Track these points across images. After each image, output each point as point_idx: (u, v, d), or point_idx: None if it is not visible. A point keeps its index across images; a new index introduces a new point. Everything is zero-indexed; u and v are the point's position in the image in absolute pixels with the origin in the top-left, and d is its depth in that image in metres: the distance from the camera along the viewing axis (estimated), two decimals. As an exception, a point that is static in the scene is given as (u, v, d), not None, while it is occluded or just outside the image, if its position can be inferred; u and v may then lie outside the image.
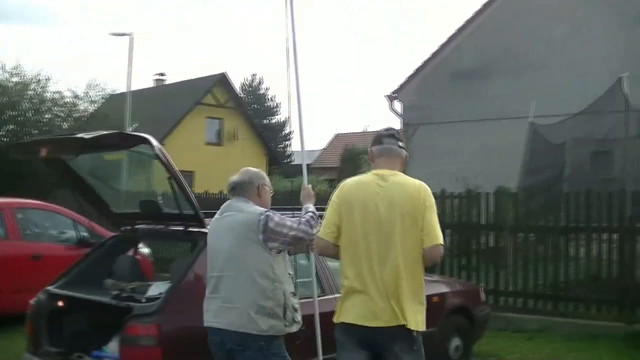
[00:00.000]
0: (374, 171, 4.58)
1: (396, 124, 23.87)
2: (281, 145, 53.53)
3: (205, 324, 4.87)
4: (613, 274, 10.45)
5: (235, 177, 5.03)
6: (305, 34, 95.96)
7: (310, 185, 5.46)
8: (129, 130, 30.43)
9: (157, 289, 5.88)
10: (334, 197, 4.53)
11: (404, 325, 4.25)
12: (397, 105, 23.05)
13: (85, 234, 10.93)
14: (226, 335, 4.72)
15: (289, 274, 4.92)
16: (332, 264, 6.13)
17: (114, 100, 27.38)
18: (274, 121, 54.67)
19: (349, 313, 4.36)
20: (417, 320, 4.32)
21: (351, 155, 37.53)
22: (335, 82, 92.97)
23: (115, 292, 5.89)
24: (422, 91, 22.32)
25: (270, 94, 55.14)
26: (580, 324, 10.21)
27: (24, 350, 6.28)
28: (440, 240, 4.34)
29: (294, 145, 56.15)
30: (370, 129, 51.19)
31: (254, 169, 5.12)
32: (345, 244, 4.42)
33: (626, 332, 9.75)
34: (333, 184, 37.50)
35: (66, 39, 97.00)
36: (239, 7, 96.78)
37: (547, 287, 10.89)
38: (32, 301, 6.25)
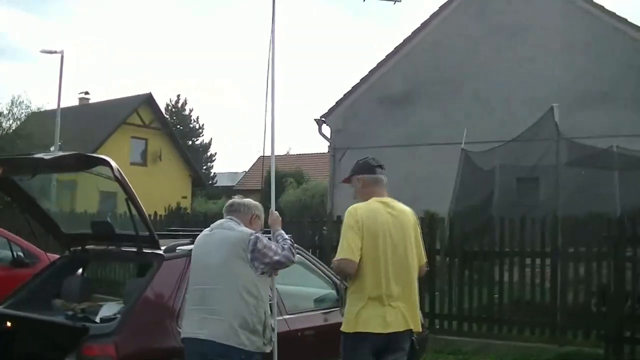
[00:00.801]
0: (376, 198, 5.28)
1: (324, 147, 24.16)
2: (205, 167, 53.26)
3: (185, 335, 5.06)
4: (546, 298, 10.76)
5: (237, 199, 5.43)
6: (237, 51, 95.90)
7: (276, 212, 5.59)
8: (52, 149, 29.93)
9: (109, 309, 5.84)
10: (353, 222, 5.07)
11: (410, 329, 5.15)
12: (326, 129, 23.24)
13: (20, 253, 10.68)
14: (209, 347, 4.89)
15: (269, 295, 5.21)
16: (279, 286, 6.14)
17: (38, 118, 26.86)
18: (197, 142, 54.36)
19: (368, 323, 4.98)
20: (418, 324, 5.25)
21: (275, 178, 37.43)
22: (260, 103, 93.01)
23: (68, 313, 5.81)
24: (350, 116, 22.58)
25: (194, 115, 54.93)
26: (515, 345, 10.46)
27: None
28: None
29: (217, 167, 55.76)
30: (292, 152, 51.55)
31: (253, 201, 5.47)
32: (366, 262, 5.02)
33: (558, 353, 10.05)
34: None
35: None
36: (163, 24, 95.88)
37: (482, 310, 11.13)
38: (-22, 322, 6.10)
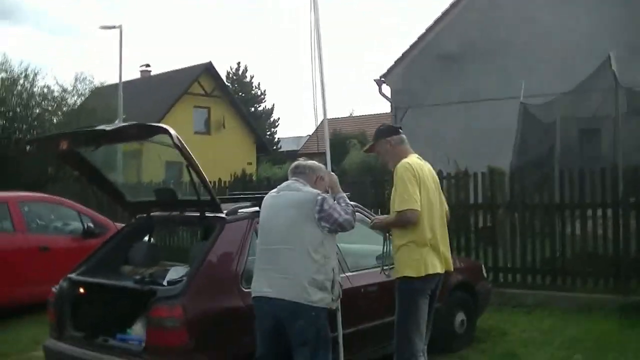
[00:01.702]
0: (413, 155, 5.73)
1: (385, 108, 24.20)
2: (269, 133, 53.57)
3: (255, 294, 5.25)
4: (608, 249, 10.72)
5: (299, 161, 5.60)
6: (292, 16, 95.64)
7: (333, 173, 5.78)
8: (116, 122, 30.47)
9: (176, 273, 6.05)
10: (411, 175, 5.45)
11: (447, 270, 5.73)
12: (386, 89, 23.25)
13: (90, 224, 11.04)
14: (279, 305, 5.07)
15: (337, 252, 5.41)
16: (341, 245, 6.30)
17: (101, 93, 27.33)
18: (260, 108, 54.65)
19: (434, 266, 5.53)
20: (451, 265, 5.80)
21: (339, 140, 37.56)
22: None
23: (136, 277, 6.07)
24: (409, 75, 22.49)
25: (255, 81, 55.18)
26: (578, 297, 10.50)
27: (47, 336, 6.45)
28: None
29: (280, 132, 56.05)
30: (355, 114, 51.51)
31: (317, 163, 5.63)
32: (423, 213, 5.44)
33: (621, 304, 10.03)
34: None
35: (52, 32, 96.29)
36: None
37: (545, 263, 11.15)
38: (54, 288, 6.40)
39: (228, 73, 53.13)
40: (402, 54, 23.14)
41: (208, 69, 39.74)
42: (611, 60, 11.85)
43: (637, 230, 10.53)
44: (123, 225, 8.36)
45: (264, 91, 55.90)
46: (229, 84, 48.39)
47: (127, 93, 28.57)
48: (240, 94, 50.87)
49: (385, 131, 5.84)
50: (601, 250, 10.77)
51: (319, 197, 5.22)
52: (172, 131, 5.34)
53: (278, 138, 54.71)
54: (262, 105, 55.35)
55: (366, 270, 6.84)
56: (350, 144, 34.95)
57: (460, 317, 8.16)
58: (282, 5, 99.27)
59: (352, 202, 5.57)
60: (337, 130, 39.66)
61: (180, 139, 5.39)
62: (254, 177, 21.13)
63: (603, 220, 10.70)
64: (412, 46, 22.95)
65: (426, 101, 21.15)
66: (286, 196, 5.34)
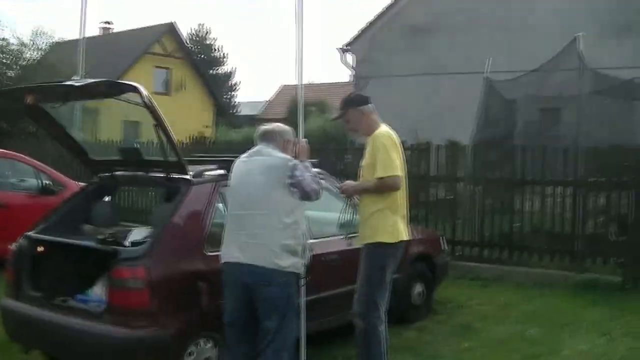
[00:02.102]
0: (385, 124, 5.74)
1: (344, 77, 24.20)
2: (228, 96, 53.10)
3: (225, 259, 5.19)
4: (566, 227, 10.88)
5: (267, 126, 5.51)
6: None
7: (305, 140, 5.70)
8: (77, 78, 29.95)
9: (139, 234, 5.97)
10: (393, 143, 5.55)
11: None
12: (349, 58, 23.20)
13: (47, 182, 10.85)
14: (250, 270, 5.02)
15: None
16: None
17: (60, 49, 26.85)
18: (220, 72, 54.11)
19: (404, 233, 5.67)
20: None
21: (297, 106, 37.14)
22: (280, 32, 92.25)
23: (98, 237, 5.97)
24: (374, 45, 22.42)
25: (217, 44, 54.56)
26: (534, 272, 10.68)
27: (3, 295, 6.33)
28: None
29: (240, 97, 55.49)
30: (314, 81, 51.26)
31: (284, 126, 5.55)
32: (402, 180, 5.58)
33: (576, 280, 10.22)
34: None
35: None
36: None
37: (503, 238, 11.28)
38: (12, 246, 6.28)
39: (190, 34, 52.46)
40: (368, 23, 23.08)
41: (170, 29, 39.32)
42: (578, 41, 11.92)
43: (594, 210, 10.69)
44: (83, 184, 8.22)
45: (225, 54, 55.44)
46: (190, 45, 47.79)
47: (88, 50, 27.69)
48: (201, 55, 50.28)
49: (356, 100, 5.87)
50: (558, 227, 10.92)
51: (291, 163, 5.18)
52: (142, 89, 5.24)
53: (237, 102, 54.27)
54: (223, 68, 54.84)
55: (329, 238, 6.81)
56: (310, 111, 34.85)
57: (418, 288, 8.22)
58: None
59: (318, 170, 5.55)
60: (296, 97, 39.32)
61: (151, 98, 5.29)
62: (212, 141, 21.00)
63: (562, 199, 10.85)
64: (378, 16, 22.88)
65: (390, 72, 21.12)
66: (257, 161, 5.27)
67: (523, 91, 13.22)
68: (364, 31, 23.07)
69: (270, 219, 5.05)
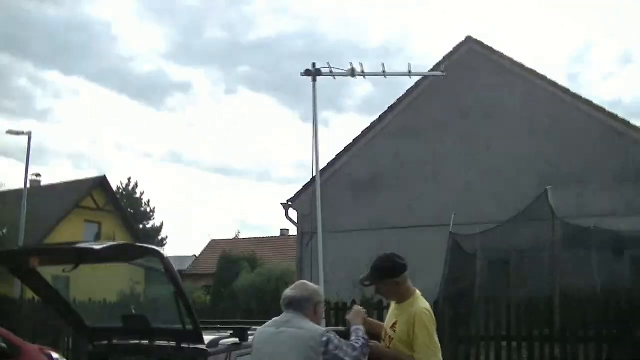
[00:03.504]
0: (418, 292, 5.48)
1: (275, 230, 24.19)
2: (156, 251, 52.29)
3: None
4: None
5: (293, 292, 5.09)
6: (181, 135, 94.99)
7: (361, 307, 5.48)
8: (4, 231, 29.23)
9: None
10: (433, 326, 5.24)
11: None
12: (293, 214, 23.15)
13: (3, 344, 10.25)
14: None
15: None
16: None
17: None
18: (149, 226, 53.66)
19: None
20: None
21: (228, 262, 36.93)
22: (206, 187, 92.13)
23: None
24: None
25: (145, 198, 54.38)
26: None
27: None
28: None
29: (168, 251, 54.77)
30: (242, 236, 51.16)
31: (313, 285, 5.22)
32: None
33: None
34: (210, 290, 36.84)
35: None
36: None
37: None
38: None
39: (118, 188, 52.20)
40: (311, 179, 23.17)
41: (102, 183, 39.04)
42: (548, 194, 12.19)
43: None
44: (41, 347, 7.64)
45: (153, 208, 55.17)
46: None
47: (17, 202, 27.80)
48: (129, 210, 49.86)
49: (393, 270, 5.44)
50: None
51: (324, 339, 4.83)
52: (163, 253, 4.94)
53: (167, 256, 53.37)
54: (151, 222, 54.43)
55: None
56: (241, 266, 34.74)
57: None
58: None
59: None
60: (228, 251, 39.04)
61: (171, 263, 4.99)
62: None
63: (541, 352, 10.79)
64: (322, 171, 23.02)
65: (334, 227, 21.12)
66: (287, 334, 4.90)
67: (480, 245, 13.38)
68: (306, 187, 23.15)
69: None
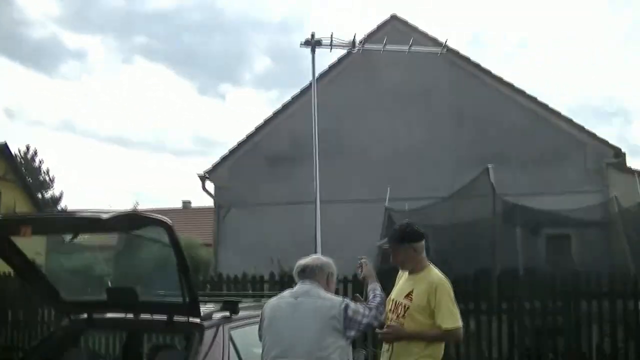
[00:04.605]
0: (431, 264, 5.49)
1: (209, 203, 24.01)
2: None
3: None
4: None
5: (307, 260, 5.10)
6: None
7: (365, 259, 5.49)
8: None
9: None
10: (453, 293, 5.27)
11: None
12: (210, 186, 22.91)
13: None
14: None
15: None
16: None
17: None
18: (48, 195, 52.11)
19: None
20: None
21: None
22: (102, 157, 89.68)
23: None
24: (235, 173, 22.31)
25: (44, 167, 52.80)
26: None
27: None
28: None
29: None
30: (140, 207, 50.27)
31: (325, 258, 5.20)
32: None
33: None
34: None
35: None
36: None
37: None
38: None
39: (16, 156, 50.40)
40: (229, 152, 22.98)
41: (2, 150, 37.51)
42: (490, 173, 12.42)
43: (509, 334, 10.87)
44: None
45: (53, 177, 53.59)
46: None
47: None
48: (28, 178, 48.26)
49: (412, 236, 5.47)
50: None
51: (343, 306, 4.85)
52: (170, 223, 4.76)
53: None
54: (50, 192, 52.88)
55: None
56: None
57: None
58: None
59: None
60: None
61: (178, 235, 4.82)
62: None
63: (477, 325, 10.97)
64: (240, 144, 22.85)
65: (251, 200, 21.06)
66: (308, 305, 4.87)
67: (429, 219, 13.51)
68: (224, 159, 22.92)
69: None
